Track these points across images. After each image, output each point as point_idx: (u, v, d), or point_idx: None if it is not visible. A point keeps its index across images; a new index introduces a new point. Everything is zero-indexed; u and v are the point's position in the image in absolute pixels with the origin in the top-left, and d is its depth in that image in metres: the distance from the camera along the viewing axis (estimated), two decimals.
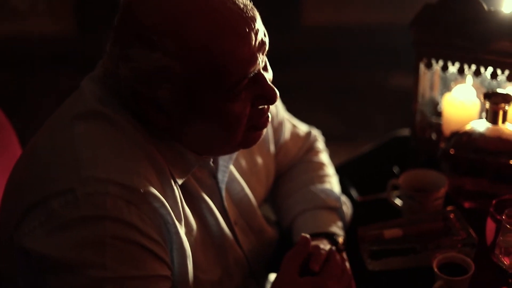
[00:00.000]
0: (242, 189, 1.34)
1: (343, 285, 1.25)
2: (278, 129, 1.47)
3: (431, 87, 1.75)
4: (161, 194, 1.09)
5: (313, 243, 1.29)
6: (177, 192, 1.15)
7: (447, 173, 1.54)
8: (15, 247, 1.07)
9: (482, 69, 1.60)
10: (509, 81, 1.57)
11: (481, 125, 1.51)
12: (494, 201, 1.34)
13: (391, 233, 1.40)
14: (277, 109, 1.47)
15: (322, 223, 1.40)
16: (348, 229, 1.45)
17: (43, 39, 3.96)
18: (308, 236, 1.28)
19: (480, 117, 1.67)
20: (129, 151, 1.10)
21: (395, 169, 1.71)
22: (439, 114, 1.77)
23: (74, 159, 1.07)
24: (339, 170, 1.64)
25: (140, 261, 1.06)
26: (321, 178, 1.50)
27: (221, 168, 1.28)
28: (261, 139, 1.22)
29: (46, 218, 1.04)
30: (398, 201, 1.57)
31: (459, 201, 1.56)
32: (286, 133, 1.51)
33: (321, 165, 1.53)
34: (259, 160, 1.42)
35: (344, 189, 1.61)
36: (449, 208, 1.46)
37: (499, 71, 1.57)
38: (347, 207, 1.49)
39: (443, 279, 1.26)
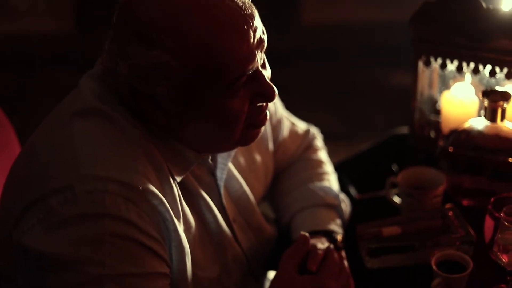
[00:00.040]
0: (241, 186, 1.34)
1: (342, 283, 1.25)
2: (276, 126, 1.47)
3: (430, 85, 1.75)
4: (159, 192, 1.09)
5: (312, 241, 1.29)
6: (176, 189, 1.15)
7: (445, 171, 1.54)
8: (14, 245, 1.07)
9: (480, 67, 1.60)
10: (507, 79, 1.57)
11: (480, 123, 1.51)
12: (492, 199, 1.34)
13: (389, 230, 1.40)
14: (276, 107, 1.47)
15: (320, 221, 1.40)
16: (347, 226, 1.45)
17: (43, 39, 3.97)
18: (307, 234, 1.28)
19: (479, 115, 1.66)
20: (127, 149, 1.10)
21: (394, 167, 1.71)
22: (437, 112, 1.77)
23: (72, 156, 1.07)
24: (337, 168, 1.63)
25: (138, 258, 1.06)
26: (320, 176, 1.50)
27: (219, 165, 1.28)
28: (259, 136, 1.22)
29: (45, 216, 1.04)
30: (396, 199, 1.57)
31: (457, 198, 1.56)
32: (285, 130, 1.51)
33: (319, 163, 1.53)
34: (258, 157, 1.42)
35: (343, 187, 1.61)
36: (447, 205, 1.46)
37: (497, 69, 1.57)
38: (345, 205, 1.49)
39: (442, 277, 1.26)
